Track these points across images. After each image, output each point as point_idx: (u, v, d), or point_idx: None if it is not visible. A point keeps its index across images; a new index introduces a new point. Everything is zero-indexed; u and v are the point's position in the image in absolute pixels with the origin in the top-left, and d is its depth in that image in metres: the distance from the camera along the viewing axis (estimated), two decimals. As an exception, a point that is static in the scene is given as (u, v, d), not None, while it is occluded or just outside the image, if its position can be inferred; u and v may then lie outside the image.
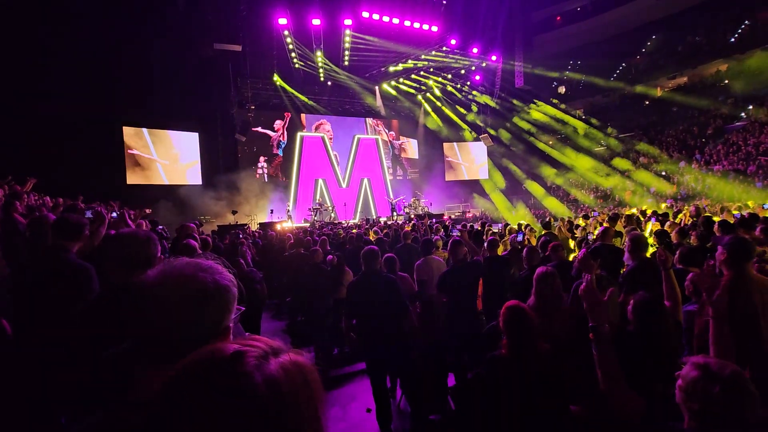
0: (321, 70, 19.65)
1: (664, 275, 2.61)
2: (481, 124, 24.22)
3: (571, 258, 5.71)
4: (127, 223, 3.90)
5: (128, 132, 16.02)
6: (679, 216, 7.95)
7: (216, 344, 0.56)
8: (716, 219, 5.33)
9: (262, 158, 20.23)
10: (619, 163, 21.50)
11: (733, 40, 22.64)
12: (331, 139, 22.39)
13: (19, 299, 2.16)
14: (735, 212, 7.95)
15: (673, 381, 1.46)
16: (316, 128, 22.10)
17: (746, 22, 22.24)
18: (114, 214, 3.84)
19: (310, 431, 0.53)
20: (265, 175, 20.18)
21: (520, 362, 2.21)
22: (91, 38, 12.86)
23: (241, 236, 8.93)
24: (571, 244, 7.01)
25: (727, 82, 22.05)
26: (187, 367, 0.53)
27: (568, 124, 24.68)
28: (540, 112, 24.82)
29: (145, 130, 16.41)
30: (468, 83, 23.34)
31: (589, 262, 2.60)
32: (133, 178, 16.01)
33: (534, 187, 23.85)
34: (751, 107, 19.75)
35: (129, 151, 15.96)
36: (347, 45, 18.02)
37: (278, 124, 20.80)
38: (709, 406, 1.30)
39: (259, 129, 20.04)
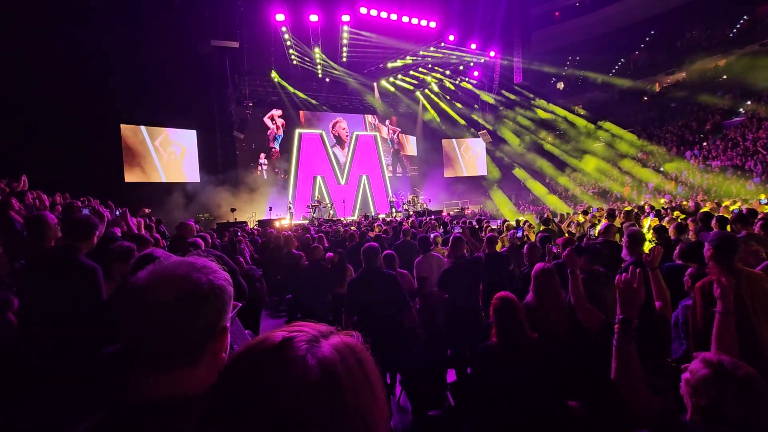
0: (319, 67, 19.58)
1: (651, 276, 2.63)
2: (480, 121, 24.19)
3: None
4: (127, 222, 3.89)
5: (126, 130, 15.96)
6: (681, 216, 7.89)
7: (264, 335, 0.55)
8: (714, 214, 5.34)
9: (262, 155, 20.18)
10: (628, 164, 21.15)
11: (731, 35, 22.61)
12: (347, 136, 22.46)
13: (25, 299, 2.14)
14: (733, 208, 7.97)
15: (661, 374, 1.48)
16: (333, 126, 22.15)
17: (744, 17, 22.21)
18: (117, 212, 3.84)
19: (371, 412, 0.52)
20: (264, 172, 20.15)
21: (508, 351, 2.23)
22: (88, 35, 12.78)
23: (239, 234, 8.92)
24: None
25: (725, 77, 22.04)
26: (237, 359, 0.53)
27: (569, 121, 24.60)
28: (543, 110, 24.74)
29: (142, 127, 16.35)
30: (467, 79, 23.29)
31: (574, 258, 2.62)
32: (130, 176, 15.97)
33: (532, 184, 23.85)
34: (749, 102, 19.75)
35: (126, 148, 15.92)
36: (345, 41, 17.95)
37: (276, 121, 20.74)
38: (719, 405, 1.27)
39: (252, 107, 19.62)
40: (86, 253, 2.38)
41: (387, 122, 24.19)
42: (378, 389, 0.55)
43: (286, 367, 0.49)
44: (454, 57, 20.84)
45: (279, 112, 20.62)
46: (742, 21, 22.39)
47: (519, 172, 24.64)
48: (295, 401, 0.47)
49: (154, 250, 2.09)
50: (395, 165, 24.53)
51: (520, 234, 6.65)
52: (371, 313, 3.60)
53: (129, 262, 2.22)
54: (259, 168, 20.02)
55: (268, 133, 20.53)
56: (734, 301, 2.31)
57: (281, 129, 20.87)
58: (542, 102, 24.95)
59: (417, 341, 3.83)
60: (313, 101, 21.34)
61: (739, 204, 9.13)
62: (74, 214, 3.70)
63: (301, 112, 21.43)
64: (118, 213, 3.89)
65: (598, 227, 5.45)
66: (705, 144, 19.57)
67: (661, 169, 19.62)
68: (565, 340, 2.59)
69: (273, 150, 20.61)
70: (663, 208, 9.73)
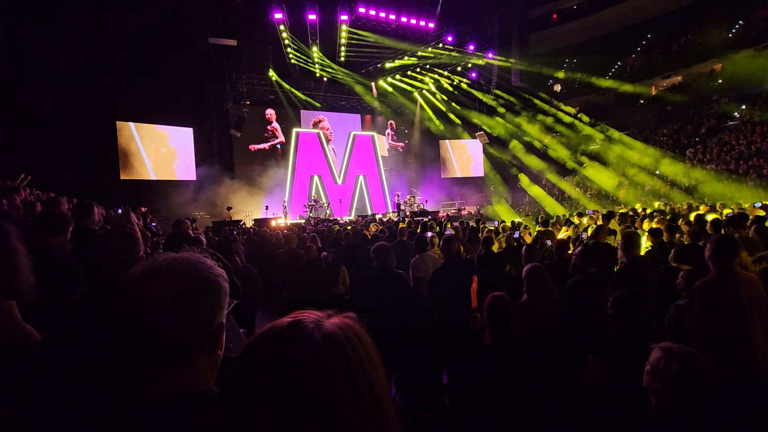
0: (317, 66, 19.54)
1: None
2: (477, 122, 24.23)
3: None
4: (131, 221, 3.86)
5: (121, 127, 15.86)
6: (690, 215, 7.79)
7: (270, 324, 0.60)
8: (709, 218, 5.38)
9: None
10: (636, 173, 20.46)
11: (727, 39, 22.76)
12: (330, 134, 22.38)
13: None
14: (726, 211, 8.02)
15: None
16: (315, 124, 22.01)
17: (740, 21, 22.37)
18: (119, 210, 3.81)
19: (375, 379, 0.58)
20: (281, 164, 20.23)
21: (500, 350, 2.24)
22: (84, 33, 12.70)
23: (235, 232, 8.89)
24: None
25: (721, 81, 22.18)
26: (251, 344, 0.58)
27: (566, 123, 24.61)
28: (540, 111, 24.75)
29: (139, 125, 16.25)
30: (464, 80, 23.33)
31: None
32: (126, 173, 15.87)
33: (529, 186, 23.90)
34: (744, 107, 19.89)
35: (121, 146, 15.83)
36: (343, 41, 17.94)
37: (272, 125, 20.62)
38: (669, 382, 1.45)
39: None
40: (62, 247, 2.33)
41: (384, 125, 24.19)
42: (377, 360, 0.60)
43: (297, 344, 0.55)
44: (451, 58, 20.88)
45: (272, 111, 20.56)
46: (738, 25, 22.54)
47: (516, 174, 24.70)
48: (309, 371, 0.53)
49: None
50: (392, 165, 24.49)
51: (517, 235, 6.68)
52: (376, 312, 3.58)
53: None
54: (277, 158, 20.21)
55: (270, 128, 20.47)
56: (734, 304, 2.34)
57: (278, 130, 20.82)
58: (539, 103, 25.02)
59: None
60: (311, 100, 21.29)
61: (734, 208, 9.19)
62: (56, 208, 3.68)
63: (298, 111, 21.37)
64: (119, 212, 3.87)
65: (590, 229, 5.48)
66: (699, 147, 19.69)
67: (657, 172, 19.68)
68: (560, 336, 2.60)
69: (278, 151, 20.62)
70: (656, 210, 9.79)
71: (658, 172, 19.62)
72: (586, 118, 24.19)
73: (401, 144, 25.11)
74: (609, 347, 2.18)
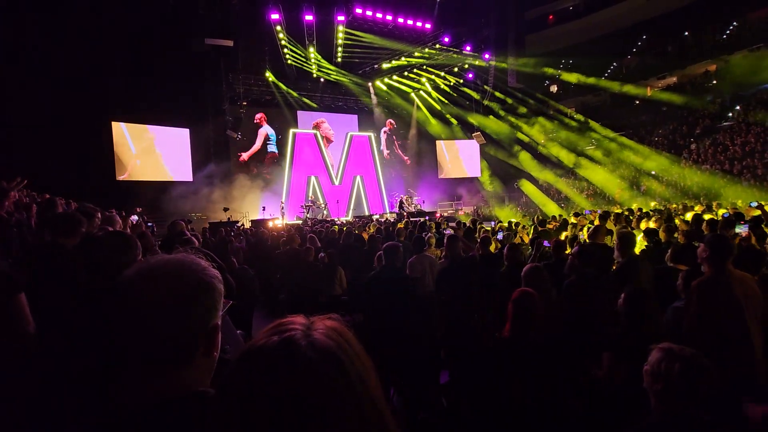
0: (314, 67, 19.54)
1: None
2: (474, 122, 24.27)
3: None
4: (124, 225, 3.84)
5: (117, 128, 15.78)
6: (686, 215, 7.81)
7: (262, 338, 0.59)
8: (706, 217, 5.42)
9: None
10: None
11: (721, 40, 22.93)
12: (332, 135, 22.30)
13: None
14: (723, 212, 8.07)
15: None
16: (315, 126, 21.94)
17: (734, 23, 22.54)
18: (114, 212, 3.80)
19: (369, 378, 0.59)
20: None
21: (518, 344, 2.26)
22: (81, 32, 12.64)
23: (232, 233, 8.88)
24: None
25: (715, 82, 22.33)
26: (249, 349, 0.58)
27: (564, 123, 24.66)
28: (536, 112, 24.80)
29: (135, 125, 16.18)
30: (461, 81, 23.37)
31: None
32: (122, 174, 15.80)
33: (526, 186, 23.96)
34: (738, 107, 20.02)
35: (117, 147, 15.75)
36: (340, 41, 17.94)
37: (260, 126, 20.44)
38: (670, 383, 1.44)
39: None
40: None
41: (381, 126, 24.19)
42: (366, 359, 0.62)
43: (293, 363, 0.55)
44: (448, 59, 20.91)
45: (260, 114, 20.22)
46: (732, 27, 22.71)
47: (513, 174, 24.74)
48: (305, 380, 0.53)
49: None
50: (389, 165, 24.50)
51: (500, 237, 6.51)
52: (385, 313, 3.59)
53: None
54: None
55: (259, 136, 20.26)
56: (730, 303, 2.36)
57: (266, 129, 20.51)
58: (535, 104, 25.08)
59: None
60: (308, 101, 21.26)
61: (729, 208, 9.25)
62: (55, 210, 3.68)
63: (295, 112, 21.33)
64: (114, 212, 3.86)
65: (586, 230, 5.50)
66: (694, 147, 19.81)
67: (653, 172, 19.75)
68: (558, 336, 2.62)
69: (269, 153, 20.44)
70: (652, 210, 9.84)
71: (653, 172, 19.70)
72: (585, 120, 24.28)
73: (407, 159, 25.03)
74: (626, 345, 2.20)
